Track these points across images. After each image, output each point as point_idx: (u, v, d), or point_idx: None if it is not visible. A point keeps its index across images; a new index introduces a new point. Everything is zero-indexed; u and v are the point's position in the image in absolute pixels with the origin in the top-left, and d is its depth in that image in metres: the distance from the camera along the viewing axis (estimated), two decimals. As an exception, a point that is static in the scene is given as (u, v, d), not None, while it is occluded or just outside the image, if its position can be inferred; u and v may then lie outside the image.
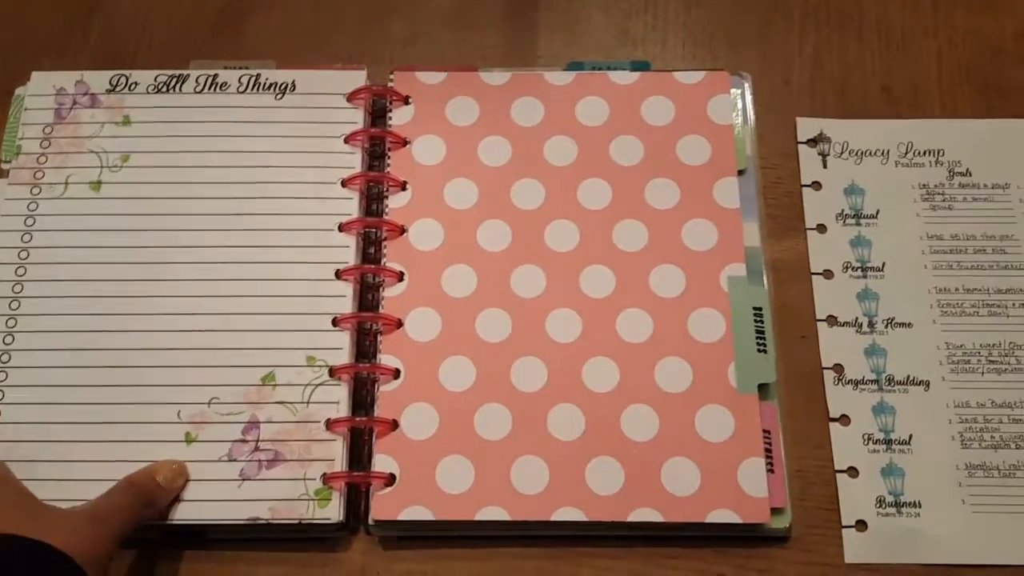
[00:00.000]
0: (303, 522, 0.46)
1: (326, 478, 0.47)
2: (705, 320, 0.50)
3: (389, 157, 0.54)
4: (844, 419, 0.49)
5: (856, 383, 0.50)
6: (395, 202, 0.53)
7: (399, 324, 0.50)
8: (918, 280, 0.52)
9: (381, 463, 0.48)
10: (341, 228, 0.52)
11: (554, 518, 0.46)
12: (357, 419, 0.49)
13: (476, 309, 0.51)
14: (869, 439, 0.49)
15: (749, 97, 0.56)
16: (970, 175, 0.54)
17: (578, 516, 0.46)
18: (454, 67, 0.57)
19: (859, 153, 0.55)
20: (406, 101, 0.55)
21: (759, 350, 0.50)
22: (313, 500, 0.47)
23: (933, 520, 0.47)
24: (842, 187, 0.54)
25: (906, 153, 0.55)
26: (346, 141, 0.54)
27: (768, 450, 0.48)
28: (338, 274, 0.51)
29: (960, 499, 0.48)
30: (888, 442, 0.49)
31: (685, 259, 0.52)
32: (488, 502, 0.47)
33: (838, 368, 0.50)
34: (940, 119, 0.56)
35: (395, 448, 0.48)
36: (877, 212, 0.54)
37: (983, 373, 0.50)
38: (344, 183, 0.53)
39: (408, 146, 0.54)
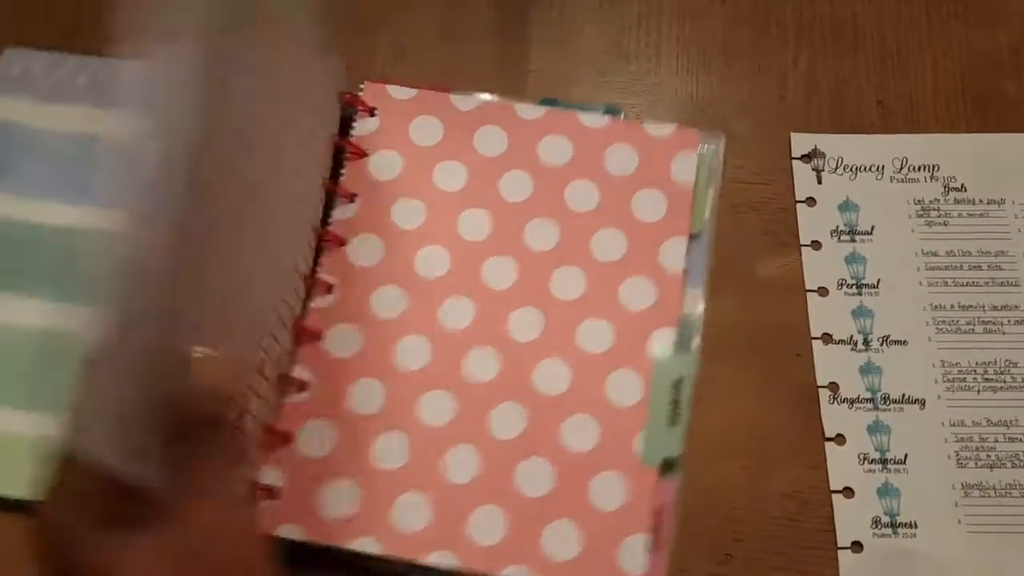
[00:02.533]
0: None
1: None
2: (624, 382, 0.48)
3: (344, 167, 0.53)
4: (839, 438, 0.49)
5: (851, 402, 0.50)
6: (341, 213, 0.52)
7: (318, 336, 0.49)
8: (913, 297, 0.52)
9: (265, 474, 0.46)
10: None
11: (427, 561, 0.45)
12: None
13: (398, 334, 0.49)
14: (865, 458, 0.49)
15: (721, 156, 0.54)
16: (965, 191, 0.54)
17: (451, 562, 0.45)
18: (426, 85, 0.55)
19: (854, 168, 0.55)
20: (371, 113, 0.55)
21: (671, 423, 0.48)
22: None
23: (929, 540, 0.47)
24: (836, 203, 0.54)
25: (901, 168, 0.55)
26: None
27: (658, 528, 0.46)
28: None
29: (956, 519, 0.47)
30: (884, 461, 0.48)
31: (617, 315, 0.50)
32: (366, 532, 0.45)
33: (833, 386, 0.50)
34: (935, 134, 0.55)
35: (283, 461, 0.47)
36: (872, 228, 0.53)
37: (979, 391, 0.50)
38: None
39: (366, 158, 0.53)
